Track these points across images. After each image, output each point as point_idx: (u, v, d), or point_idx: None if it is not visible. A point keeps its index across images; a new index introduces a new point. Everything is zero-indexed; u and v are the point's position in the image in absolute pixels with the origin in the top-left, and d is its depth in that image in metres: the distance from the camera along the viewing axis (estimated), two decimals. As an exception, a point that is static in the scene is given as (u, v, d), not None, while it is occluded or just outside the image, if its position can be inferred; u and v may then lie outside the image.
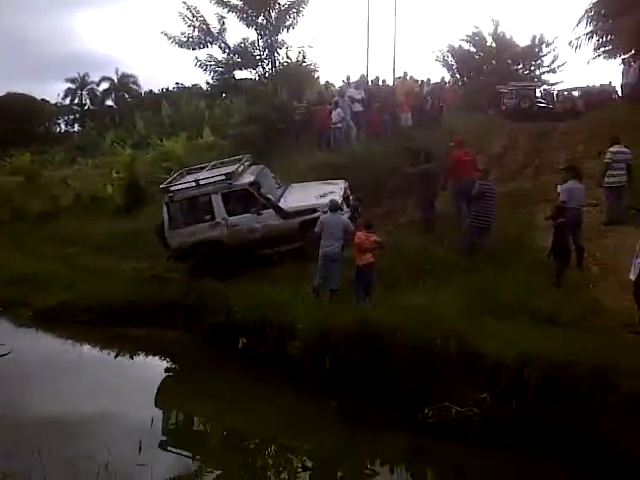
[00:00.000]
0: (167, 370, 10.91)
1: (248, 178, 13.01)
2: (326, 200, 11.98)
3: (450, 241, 11.37)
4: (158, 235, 13.17)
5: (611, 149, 11.78)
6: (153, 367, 11.15)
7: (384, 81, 20.14)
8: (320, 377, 8.89)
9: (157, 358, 11.45)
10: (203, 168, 14.23)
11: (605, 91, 24.91)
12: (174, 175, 13.89)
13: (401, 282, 10.27)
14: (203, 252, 12.81)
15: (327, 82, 20.50)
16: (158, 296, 12.20)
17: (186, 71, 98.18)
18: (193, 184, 12.83)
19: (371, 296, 9.87)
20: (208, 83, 20.46)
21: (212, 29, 19.01)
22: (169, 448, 7.85)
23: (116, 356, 11.49)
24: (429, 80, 20.76)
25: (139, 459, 6.04)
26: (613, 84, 24.92)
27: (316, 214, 12.04)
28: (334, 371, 8.89)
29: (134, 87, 46.46)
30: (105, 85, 46.33)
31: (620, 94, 21.46)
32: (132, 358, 11.49)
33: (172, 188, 12.86)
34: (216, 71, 19.42)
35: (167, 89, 42.42)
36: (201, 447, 8.13)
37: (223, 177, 12.77)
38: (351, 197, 13.18)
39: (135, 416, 8.40)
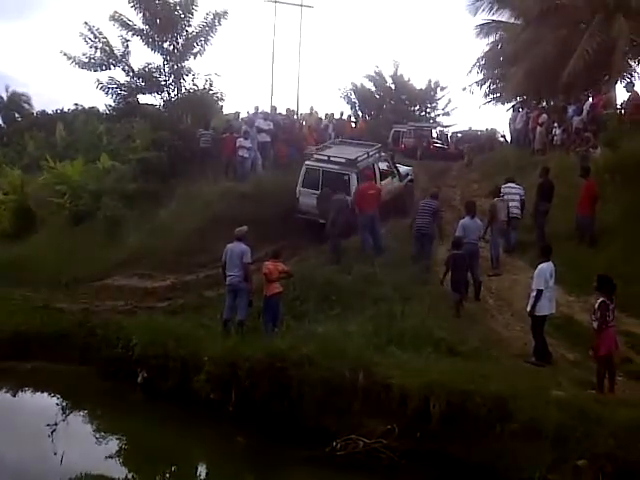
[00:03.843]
0: (57, 407, 10.12)
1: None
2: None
3: (357, 271, 11.52)
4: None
5: (504, 185, 12.96)
6: (41, 404, 10.33)
7: (292, 112, 20.46)
8: (227, 412, 8.64)
9: (47, 395, 10.66)
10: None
11: (494, 135, 26.73)
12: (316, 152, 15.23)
13: (310, 312, 10.27)
14: None
15: (236, 112, 20.42)
16: (50, 327, 11.45)
17: (84, 93, 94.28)
18: (366, 155, 14.60)
19: (279, 327, 9.77)
20: (110, 106, 19.69)
21: (115, 51, 18.44)
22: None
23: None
24: (332, 115, 21.31)
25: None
26: (500, 129, 26.90)
27: (409, 177, 16.39)
28: (241, 405, 8.67)
29: (26, 106, 43.86)
30: (-7, 103, 43.38)
31: (509, 139, 23.04)
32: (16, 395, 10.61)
33: (359, 159, 14.28)
34: (118, 94, 18.77)
35: (62, 110, 40.42)
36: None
37: (378, 149, 15.36)
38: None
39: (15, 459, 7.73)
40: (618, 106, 16.75)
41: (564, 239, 11.86)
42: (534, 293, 8.61)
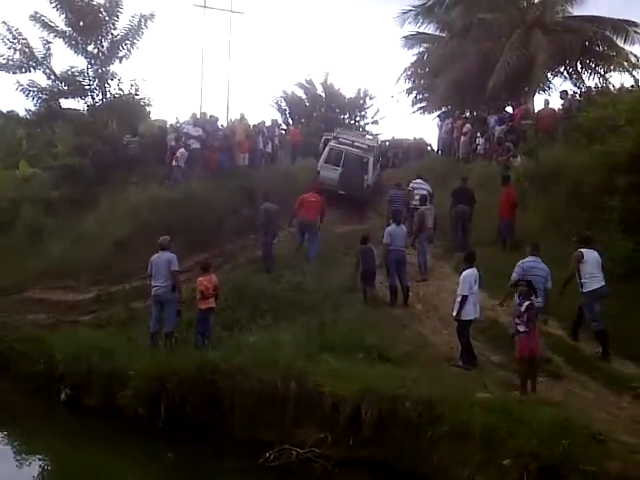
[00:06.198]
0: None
1: None
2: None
3: (287, 280, 11.49)
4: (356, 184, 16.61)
5: (414, 181, 14.69)
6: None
7: (215, 119, 20.20)
8: (156, 428, 8.40)
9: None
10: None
11: (421, 144, 27.33)
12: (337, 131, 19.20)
13: (241, 322, 10.15)
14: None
15: (178, 120, 19.82)
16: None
17: (2, 96, 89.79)
18: (377, 144, 19.27)
19: (209, 339, 9.60)
20: (30, 110, 18.88)
21: (36, 53, 17.70)
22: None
23: None
24: (264, 122, 21.16)
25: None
26: (426, 138, 27.52)
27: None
28: (171, 420, 8.45)
29: (-63, 108, 41.35)
30: None
31: (435, 147, 23.61)
32: None
33: (375, 147, 18.21)
34: (39, 98, 17.99)
35: (-23, 113, 38.33)
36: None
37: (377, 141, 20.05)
38: None
39: None
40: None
41: (487, 244, 12.27)
42: (459, 298, 8.84)
